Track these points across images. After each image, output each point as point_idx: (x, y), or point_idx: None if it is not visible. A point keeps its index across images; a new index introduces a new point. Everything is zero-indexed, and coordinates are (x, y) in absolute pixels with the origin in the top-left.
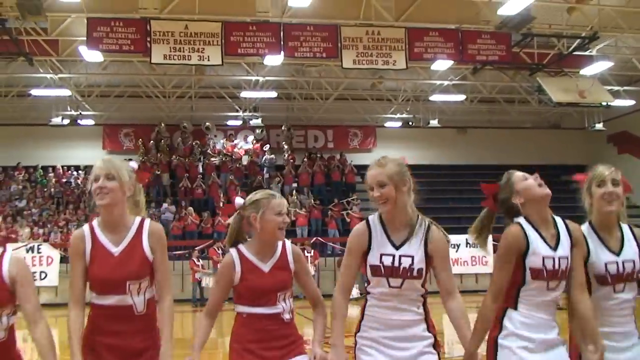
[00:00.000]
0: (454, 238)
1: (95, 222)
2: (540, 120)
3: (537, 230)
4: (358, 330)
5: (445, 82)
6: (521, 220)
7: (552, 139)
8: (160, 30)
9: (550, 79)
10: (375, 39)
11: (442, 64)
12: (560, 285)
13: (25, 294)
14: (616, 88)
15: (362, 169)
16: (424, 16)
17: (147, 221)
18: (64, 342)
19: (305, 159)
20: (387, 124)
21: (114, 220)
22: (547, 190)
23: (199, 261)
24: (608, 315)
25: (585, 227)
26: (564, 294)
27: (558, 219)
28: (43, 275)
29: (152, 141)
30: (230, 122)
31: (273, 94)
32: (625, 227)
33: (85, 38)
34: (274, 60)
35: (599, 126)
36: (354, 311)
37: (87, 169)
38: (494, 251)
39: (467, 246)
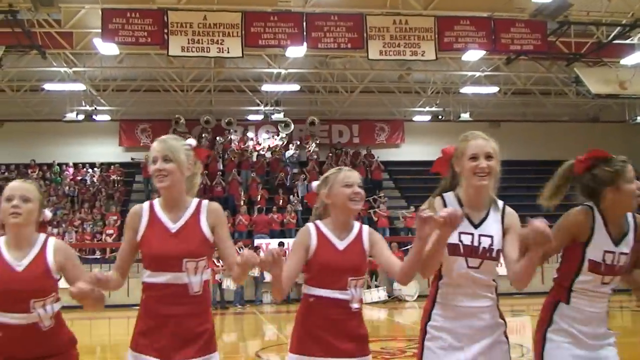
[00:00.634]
0: None
1: (155, 201)
2: (578, 113)
3: (605, 223)
4: (428, 319)
5: (477, 74)
6: (595, 208)
7: (591, 133)
8: (177, 21)
9: (588, 70)
10: (402, 29)
11: (473, 55)
12: (615, 280)
13: (75, 277)
14: None
15: (389, 165)
16: (454, 4)
17: (205, 201)
18: (86, 346)
19: (330, 155)
20: (416, 118)
21: (174, 200)
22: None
23: (219, 262)
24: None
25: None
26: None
27: (629, 215)
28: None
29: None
30: (251, 117)
31: (296, 87)
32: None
33: (100, 30)
34: (296, 51)
35: None
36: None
37: (103, 166)
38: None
39: None
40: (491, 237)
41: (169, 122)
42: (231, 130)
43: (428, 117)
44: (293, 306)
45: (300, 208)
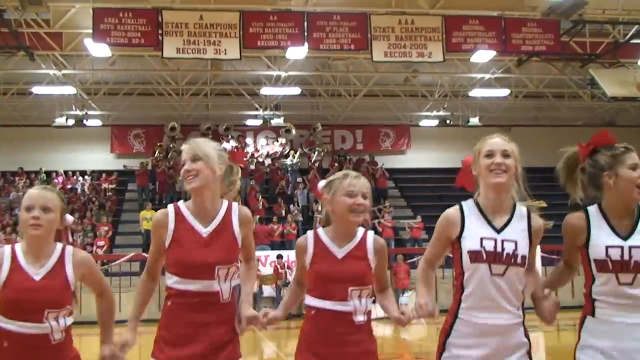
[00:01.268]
0: None
1: (181, 203)
2: (593, 117)
3: (606, 219)
4: (447, 334)
5: (487, 76)
6: (591, 208)
7: None
8: (172, 21)
9: (604, 71)
10: (408, 29)
11: (483, 56)
12: (638, 279)
13: (95, 282)
14: None
15: (394, 172)
16: (462, 3)
17: (235, 204)
18: None
19: (333, 163)
20: (422, 123)
21: (205, 203)
22: None
23: None
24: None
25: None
26: None
27: None
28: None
29: (170, 144)
30: (250, 122)
31: (296, 91)
32: None
33: (91, 30)
34: (297, 53)
35: None
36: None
37: (94, 174)
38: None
39: None
40: (515, 242)
41: (163, 128)
42: (229, 137)
43: (435, 122)
44: (293, 322)
45: (301, 218)
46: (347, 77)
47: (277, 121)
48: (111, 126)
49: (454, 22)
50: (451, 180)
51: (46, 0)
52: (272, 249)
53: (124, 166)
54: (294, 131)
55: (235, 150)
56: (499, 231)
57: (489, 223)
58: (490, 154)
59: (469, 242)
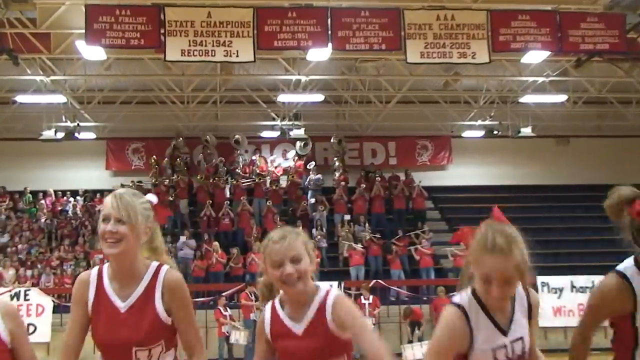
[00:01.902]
0: (555, 280)
1: (105, 267)
2: None
3: None
4: None
5: (540, 79)
6: (628, 269)
7: None
8: (176, 19)
9: None
10: (448, 26)
11: (535, 56)
12: None
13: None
14: None
15: (433, 191)
16: None
17: (164, 270)
18: None
19: (362, 181)
20: (466, 134)
21: (125, 271)
22: None
23: (226, 311)
24: None
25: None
26: None
27: None
28: (32, 328)
29: (166, 159)
30: (265, 134)
31: (319, 97)
32: None
33: (83, 31)
34: (319, 54)
35: None
36: None
37: (87, 194)
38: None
39: (572, 290)
40: (521, 339)
41: (165, 141)
42: (240, 150)
43: (481, 133)
44: None
45: (325, 245)
46: (377, 82)
47: (297, 132)
48: (106, 139)
49: (502, 17)
50: (499, 199)
51: None
52: None
53: (122, 185)
54: (310, 144)
55: (160, 205)
56: (506, 333)
57: (496, 324)
58: (487, 279)
59: (478, 358)
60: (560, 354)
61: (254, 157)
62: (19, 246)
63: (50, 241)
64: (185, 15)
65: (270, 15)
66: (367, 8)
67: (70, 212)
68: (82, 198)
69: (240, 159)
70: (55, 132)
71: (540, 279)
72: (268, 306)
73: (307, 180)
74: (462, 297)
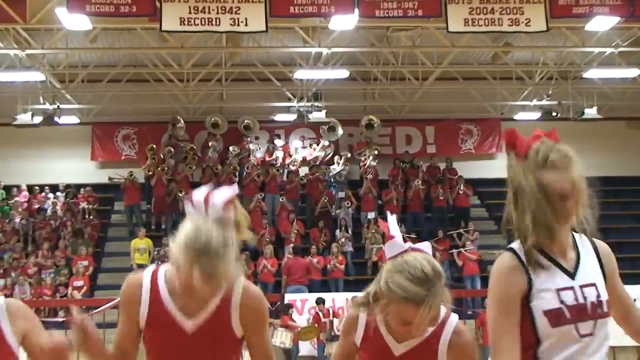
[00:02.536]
0: (630, 290)
1: (162, 270)
2: None
3: None
4: None
5: (608, 50)
6: None
7: None
8: None
9: None
10: None
11: (602, 23)
12: None
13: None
14: None
15: (480, 184)
16: None
17: (240, 282)
18: None
19: (395, 173)
20: (519, 116)
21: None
22: None
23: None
24: None
25: None
26: None
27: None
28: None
29: (168, 147)
30: (279, 117)
31: (343, 74)
32: None
33: None
34: (344, 22)
35: None
36: None
37: (69, 189)
38: None
39: None
40: (594, 285)
41: (162, 126)
42: (251, 137)
43: (536, 115)
44: None
45: (351, 249)
46: (412, 55)
47: (317, 115)
48: (92, 124)
49: None
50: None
51: None
52: (311, 290)
53: (109, 178)
54: (340, 130)
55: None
56: (573, 275)
57: (560, 266)
58: (558, 193)
59: (542, 301)
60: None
61: (277, 143)
62: None
63: (26, 245)
64: None
65: None
66: None
67: (49, 211)
68: (64, 194)
69: (252, 146)
70: (32, 115)
71: None
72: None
73: (330, 172)
74: (513, 244)
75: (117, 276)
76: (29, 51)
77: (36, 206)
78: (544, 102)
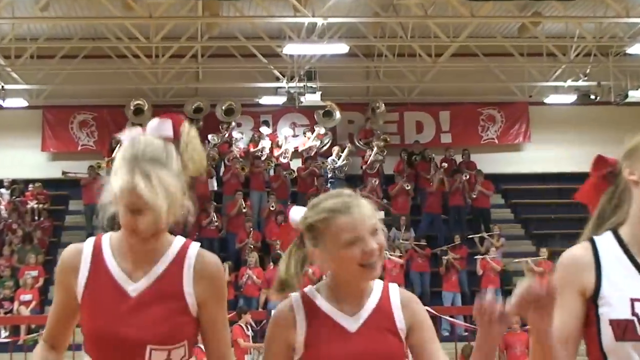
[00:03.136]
0: None
1: (106, 237)
2: None
3: None
4: None
5: None
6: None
7: None
8: None
9: None
10: None
11: None
12: None
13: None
14: None
15: (504, 181)
16: None
17: (195, 247)
18: None
19: (403, 166)
20: (550, 100)
21: (143, 247)
22: None
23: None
24: None
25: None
26: None
27: None
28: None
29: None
30: (266, 100)
31: (342, 49)
32: None
33: None
34: None
35: None
36: None
37: (16, 185)
38: None
39: None
40: None
41: (126, 110)
42: (232, 124)
43: (572, 98)
44: None
45: None
46: (424, 27)
47: (311, 98)
48: (43, 108)
49: None
50: None
51: None
52: None
53: (64, 173)
54: (337, 114)
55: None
56: None
57: (638, 267)
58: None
59: (611, 308)
60: None
61: (264, 131)
62: None
63: None
64: None
65: None
66: None
67: None
68: (9, 191)
69: (235, 134)
70: None
71: None
72: (295, 296)
73: (328, 165)
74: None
75: None
76: None
77: None
78: (580, 83)
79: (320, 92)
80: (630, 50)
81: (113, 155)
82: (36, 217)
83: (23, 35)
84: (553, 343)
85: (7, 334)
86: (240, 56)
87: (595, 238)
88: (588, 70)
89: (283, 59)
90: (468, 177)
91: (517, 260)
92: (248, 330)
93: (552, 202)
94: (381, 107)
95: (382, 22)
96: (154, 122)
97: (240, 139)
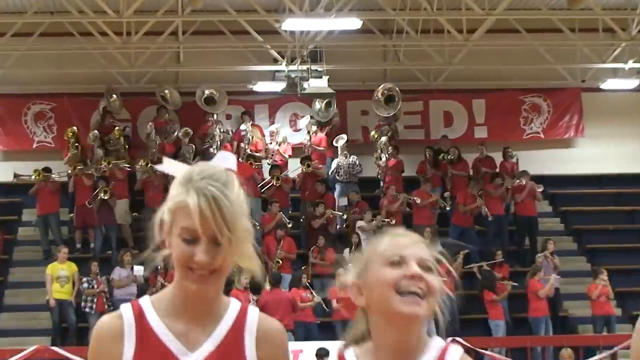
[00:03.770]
0: None
1: (146, 301)
2: None
3: None
4: None
5: None
6: None
7: None
8: None
9: None
10: None
11: None
12: None
13: None
14: None
15: (553, 184)
16: None
17: (254, 312)
18: None
19: (427, 166)
20: (607, 85)
21: (200, 306)
22: None
23: None
24: None
25: None
26: None
27: None
28: None
29: (94, 131)
30: (261, 87)
31: (353, 24)
32: None
33: None
34: None
35: None
36: None
37: None
38: None
39: None
40: None
41: (92, 100)
42: (217, 115)
43: (633, 83)
44: None
45: None
46: None
47: (316, 84)
48: None
49: None
50: None
51: None
52: (307, 338)
53: (16, 176)
54: (333, 105)
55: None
56: None
57: None
58: None
59: None
60: None
61: (242, 127)
62: None
63: None
64: None
65: None
66: None
67: None
68: None
69: (217, 129)
70: None
71: None
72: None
73: (335, 166)
74: None
75: (26, 317)
76: None
77: None
78: None
79: (327, 77)
80: None
81: (69, 155)
82: None
83: None
84: None
85: None
86: (230, 33)
87: None
88: None
89: (282, 37)
90: (523, 182)
91: (568, 284)
92: None
93: (613, 209)
94: (396, 96)
95: None
96: (218, 160)
97: (224, 133)
